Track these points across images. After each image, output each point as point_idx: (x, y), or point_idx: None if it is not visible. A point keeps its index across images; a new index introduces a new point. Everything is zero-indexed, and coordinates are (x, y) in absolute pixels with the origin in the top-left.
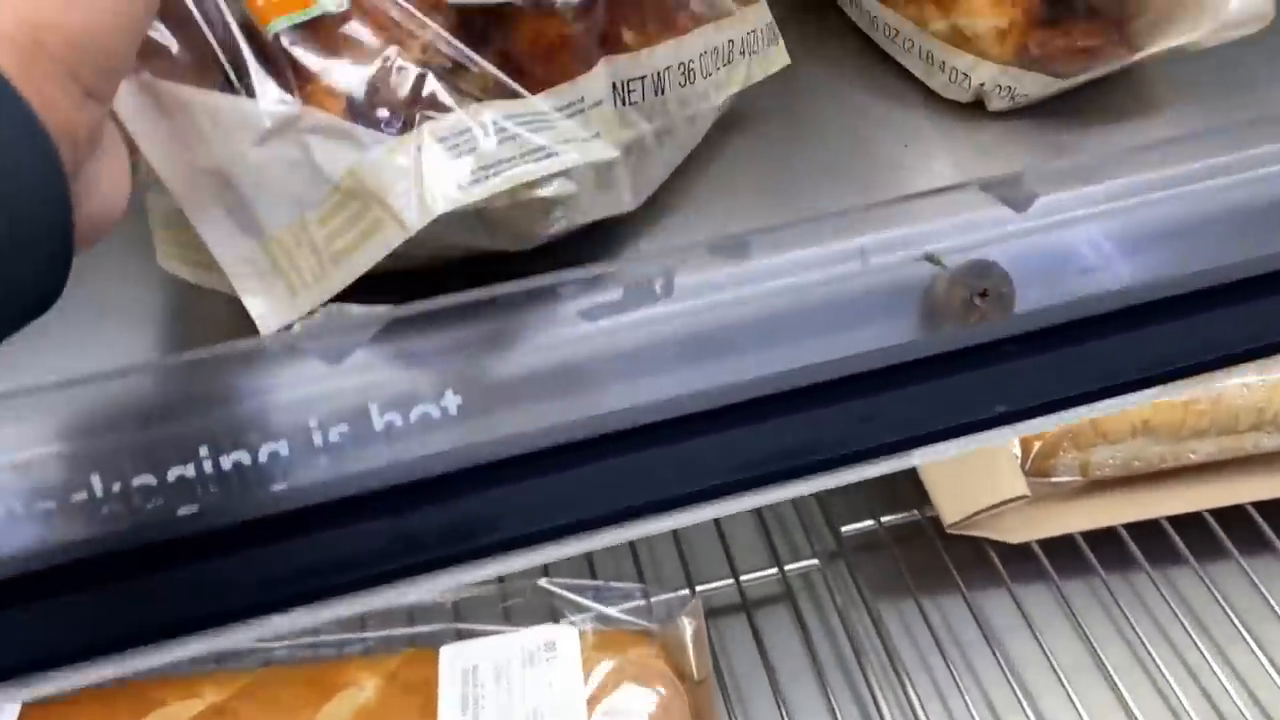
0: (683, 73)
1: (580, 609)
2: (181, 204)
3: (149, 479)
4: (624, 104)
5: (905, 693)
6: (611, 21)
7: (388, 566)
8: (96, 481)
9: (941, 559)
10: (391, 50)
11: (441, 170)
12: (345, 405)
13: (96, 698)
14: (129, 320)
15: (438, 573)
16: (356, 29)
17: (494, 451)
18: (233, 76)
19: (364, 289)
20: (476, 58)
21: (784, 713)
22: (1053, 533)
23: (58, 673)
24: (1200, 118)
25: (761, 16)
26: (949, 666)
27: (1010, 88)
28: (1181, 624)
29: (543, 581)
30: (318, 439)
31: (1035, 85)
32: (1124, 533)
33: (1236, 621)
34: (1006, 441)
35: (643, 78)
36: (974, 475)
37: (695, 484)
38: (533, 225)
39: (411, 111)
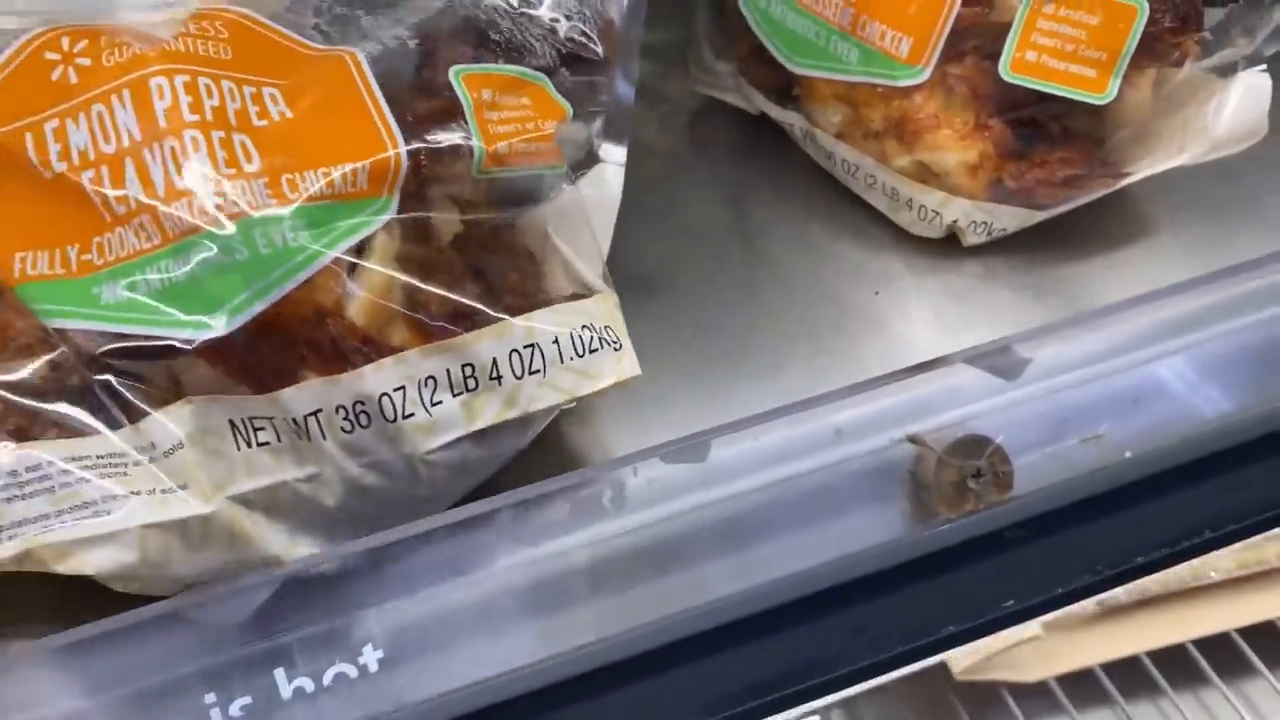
0: (347, 416)
1: None
2: None
3: None
4: (250, 445)
5: None
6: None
7: None
8: None
9: (949, 701)
10: None
11: None
12: (247, 675)
13: None
14: None
15: None
16: None
17: (426, 714)
18: None
19: None
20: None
21: None
22: (1070, 667)
23: None
24: (1198, 237)
25: (582, 319)
26: None
27: (986, 223)
28: None
29: None
30: (215, 717)
31: (1013, 219)
32: (1144, 658)
33: None
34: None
35: (271, 419)
36: None
37: None
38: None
39: None
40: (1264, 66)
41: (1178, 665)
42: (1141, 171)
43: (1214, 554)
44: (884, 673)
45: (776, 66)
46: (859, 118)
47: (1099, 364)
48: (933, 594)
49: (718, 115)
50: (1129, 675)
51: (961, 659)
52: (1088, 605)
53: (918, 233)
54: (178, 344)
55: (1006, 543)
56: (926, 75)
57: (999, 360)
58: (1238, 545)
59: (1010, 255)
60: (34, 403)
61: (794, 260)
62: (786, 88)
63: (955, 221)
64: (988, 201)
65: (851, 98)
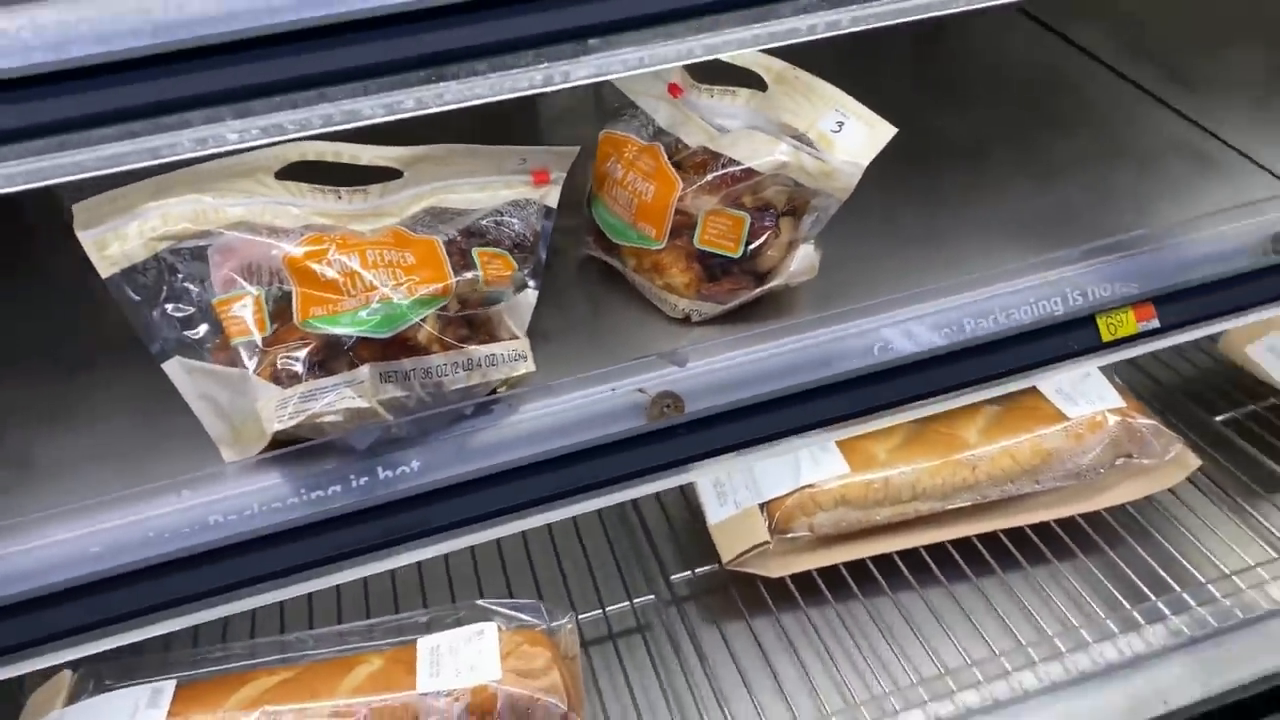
0: (424, 373)
1: (502, 616)
2: (197, 411)
3: (335, 487)
4: (382, 381)
5: (711, 686)
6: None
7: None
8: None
9: (733, 596)
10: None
11: (270, 414)
12: (365, 468)
13: (218, 681)
14: None
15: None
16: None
17: (429, 492)
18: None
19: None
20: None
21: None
22: (798, 569)
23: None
24: (800, 314)
25: (513, 349)
26: (709, 671)
27: (698, 310)
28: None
29: (480, 601)
30: (352, 482)
31: (710, 309)
32: (843, 568)
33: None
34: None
35: (395, 371)
36: (739, 532)
37: (524, 500)
38: (329, 432)
39: (289, 385)
40: (811, 242)
41: (867, 577)
42: (766, 287)
43: (877, 508)
44: (633, 481)
45: (606, 239)
46: (640, 263)
47: (726, 361)
48: (652, 452)
49: (592, 262)
50: (836, 580)
51: (725, 551)
52: (807, 534)
53: (671, 315)
54: (371, 338)
55: (678, 433)
56: (664, 244)
57: (676, 357)
58: (890, 504)
59: (721, 325)
60: (308, 365)
61: (616, 325)
62: (613, 248)
63: (684, 309)
64: (695, 301)
65: (636, 253)
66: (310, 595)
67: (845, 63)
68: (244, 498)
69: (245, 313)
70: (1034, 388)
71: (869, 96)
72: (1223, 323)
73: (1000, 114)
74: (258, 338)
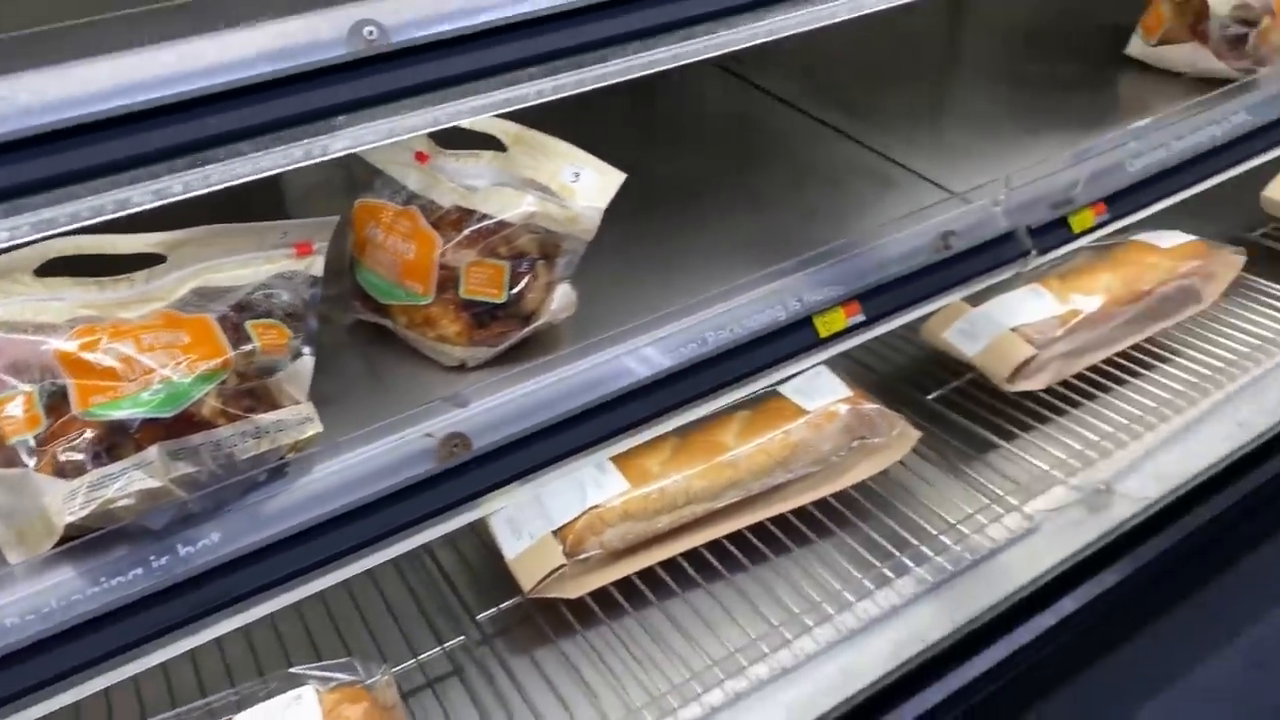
0: (213, 445)
1: (317, 679)
2: None
3: (136, 570)
4: (172, 459)
5: (533, 713)
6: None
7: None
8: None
9: (537, 621)
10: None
11: (59, 508)
12: (162, 548)
13: None
14: None
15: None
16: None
17: (228, 568)
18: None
19: None
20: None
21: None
22: (595, 586)
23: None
24: (565, 347)
25: (298, 413)
26: (527, 700)
27: (472, 356)
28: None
29: (292, 669)
30: (153, 563)
31: (484, 354)
32: (636, 578)
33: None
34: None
35: (184, 448)
36: (536, 562)
37: (327, 555)
38: (123, 517)
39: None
40: (567, 282)
41: (657, 582)
42: (531, 328)
43: (657, 516)
44: (432, 521)
45: (373, 300)
46: (411, 319)
47: (505, 397)
48: (446, 492)
49: (361, 325)
50: (631, 590)
51: (525, 582)
52: (599, 552)
53: (448, 364)
54: (155, 419)
55: (468, 469)
56: (432, 299)
57: (458, 399)
58: (668, 511)
59: (493, 368)
60: (92, 454)
61: (394, 382)
62: (382, 308)
63: (459, 357)
64: (469, 348)
65: (406, 310)
66: (109, 696)
67: (571, 121)
68: (40, 596)
69: (17, 411)
70: (776, 391)
71: (596, 148)
72: (914, 310)
73: (711, 155)
74: (32, 435)
